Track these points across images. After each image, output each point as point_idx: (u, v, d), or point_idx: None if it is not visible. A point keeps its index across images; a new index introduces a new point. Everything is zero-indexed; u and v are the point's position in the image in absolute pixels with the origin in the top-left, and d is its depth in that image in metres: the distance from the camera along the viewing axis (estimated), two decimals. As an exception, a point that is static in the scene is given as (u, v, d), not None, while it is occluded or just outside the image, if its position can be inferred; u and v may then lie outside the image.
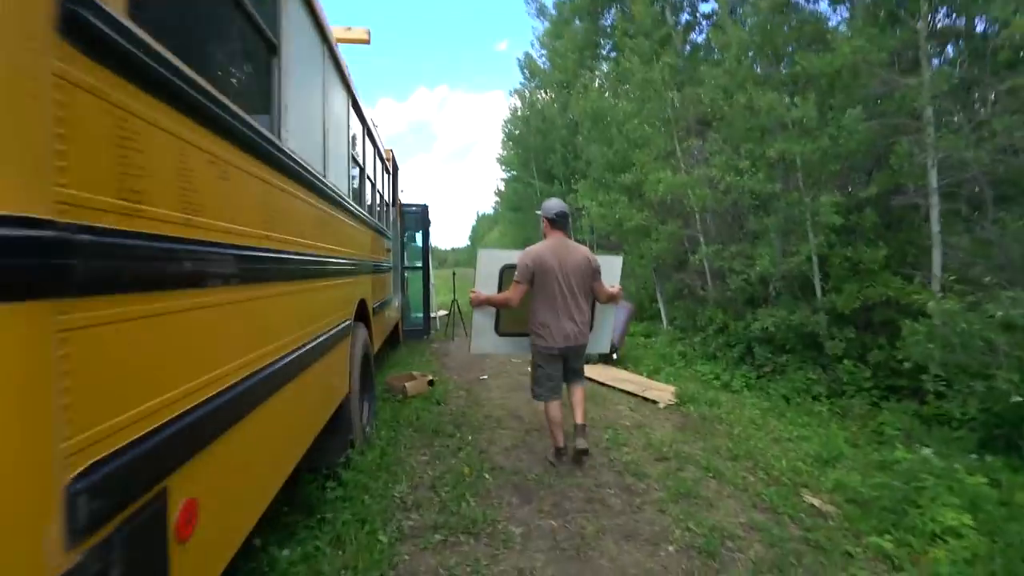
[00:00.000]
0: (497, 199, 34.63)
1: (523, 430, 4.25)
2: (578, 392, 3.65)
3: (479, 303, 3.63)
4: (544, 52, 26.51)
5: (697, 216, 7.98)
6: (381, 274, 5.26)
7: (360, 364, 3.47)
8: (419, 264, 8.89)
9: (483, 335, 3.79)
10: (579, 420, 3.54)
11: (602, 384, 5.93)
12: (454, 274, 11.01)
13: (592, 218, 9.31)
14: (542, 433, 3.94)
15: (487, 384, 5.85)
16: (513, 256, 3.65)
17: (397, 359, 6.89)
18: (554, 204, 3.67)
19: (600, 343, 4.10)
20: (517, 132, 25.64)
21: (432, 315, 10.91)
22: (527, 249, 3.53)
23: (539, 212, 3.76)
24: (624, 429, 4.34)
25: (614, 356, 7.03)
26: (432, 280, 10.94)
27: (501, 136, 27.62)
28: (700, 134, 8.50)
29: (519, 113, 26.05)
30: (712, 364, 7.12)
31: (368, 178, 4.62)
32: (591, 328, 3.72)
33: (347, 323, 3.14)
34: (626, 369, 6.86)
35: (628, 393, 5.61)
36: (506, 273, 3.63)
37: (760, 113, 6.15)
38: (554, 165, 22.39)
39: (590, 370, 5.92)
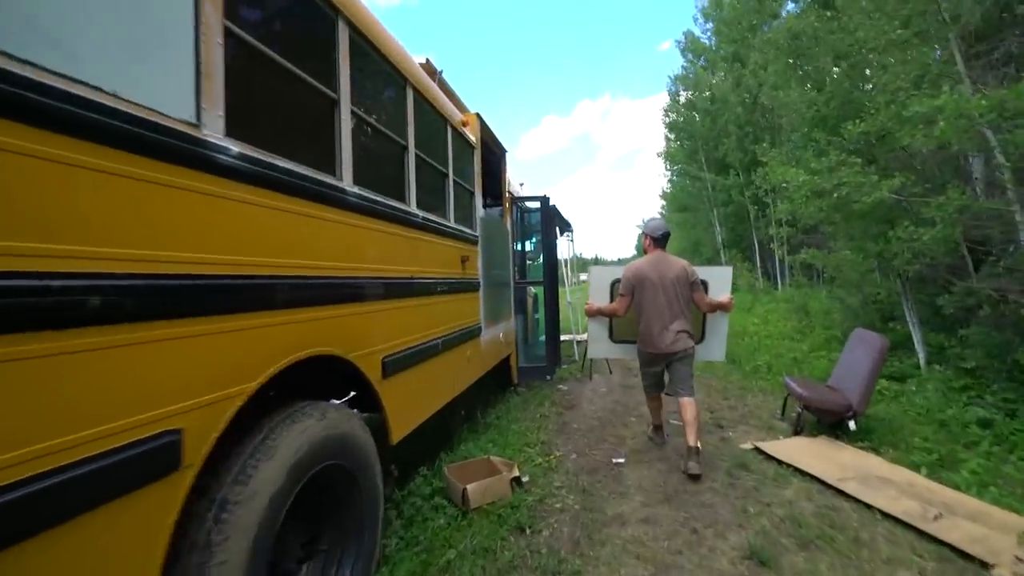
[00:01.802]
0: (662, 203, 31.14)
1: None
2: (689, 409, 3.61)
3: (592, 313, 4.18)
4: (709, 26, 22.94)
5: (1008, 173, 4.45)
6: (447, 295, 3.39)
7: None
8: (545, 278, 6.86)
9: (598, 341, 4.34)
10: (691, 442, 3.50)
11: (835, 489, 3.16)
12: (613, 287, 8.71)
13: (794, 201, 6.21)
14: None
15: (621, 477, 3.50)
16: (619, 272, 4.09)
17: (495, 417, 4.90)
18: (659, 224, 3.95)
19: (712, 351, 4.19)
20: (681, 120, 22.25)
21: (571, 338, 8.82)
22: (630, 264, 3.92)
23: (642, 231, 4.07)
24: None
25: (852, 425, 4.08)
26: (569, 299, 8.86)
27: (663, 130, 24.39)
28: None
29: (682, 99, 22.64)
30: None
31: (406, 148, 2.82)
32: (703, 336, 4.09)
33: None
34: (876, 452, 3.87)
35: (893, 520, 2.79)
36: (615, 286, 4.14)
37: None
38: (727, 151, 18.60)
39: (806, 449, 3.78)
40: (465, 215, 4.11)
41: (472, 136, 4.27)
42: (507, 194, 5.72)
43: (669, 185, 27.41)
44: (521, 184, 7.07)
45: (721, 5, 21.07)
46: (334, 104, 2.12)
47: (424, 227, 2.99)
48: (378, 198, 2.39)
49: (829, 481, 3.27)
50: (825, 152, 5.74)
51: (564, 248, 10.74)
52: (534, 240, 8.09)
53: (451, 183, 3.64)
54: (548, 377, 6.07)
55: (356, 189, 2.19)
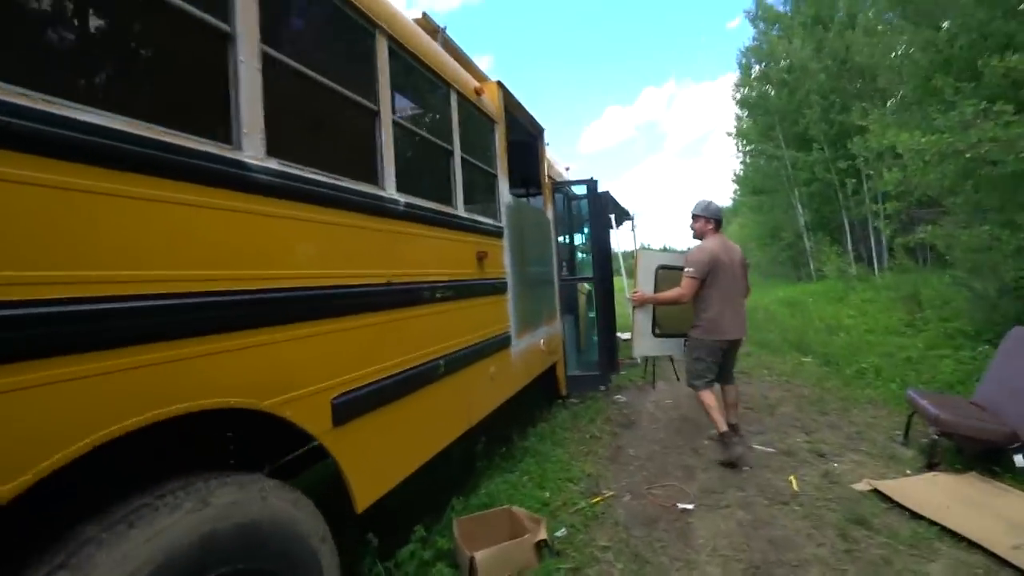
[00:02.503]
0: (735, 187, 28.86)
1: None
2: (732, 392, 3.82)
3: (643, 302, 3.93)
4: (784, -11, 20.71)
5: None
6: (455, 301, 2.72)
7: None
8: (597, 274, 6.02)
9: (645, 337, 4.05)
10: (732, 419, 3.69)
11: (1013, 567, 2.16)
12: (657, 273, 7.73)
13: (908, 169, 4.95)
14: None
15: (689, 533, 2.65)
16: (666, 258, 4.17)
17: (535, 438, 4.16)
18: (715, 206, 3.80)
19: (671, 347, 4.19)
20: (754, 95, 20.22)
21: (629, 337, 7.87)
22: (700, 246, 3.66)
23: (700, 213, 3.77)
24: None
25: (1018, 460, 2.96)
26: (628, 294, 7.91)
27: (734, 107, 22.40)
28: None
29: (754, 73, 20.59)
30: None
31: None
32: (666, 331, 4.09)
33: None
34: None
35: None
36: (660, 273, 3.98)
37: None
38: (809, 124, 16.56)
39: (950, 494, 2.76)
40: (483, 202, 3.42)
41: (492, 108, 3.57)
42: (546, 179, 4.97)
43: (741, 167, 25.21)
44: (567, 168, 6.27)
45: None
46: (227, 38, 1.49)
47: (410, 216, 2.31)
48: (319, 177, 1.73)
49: (1000, 553, 2.27)
50: (956, 104, 4.44)
51: (624, 239, 9.81)
52: (586, 231, 7.26)
53: (457, 163, 2.95)
54: (603, 387, 5.25)
55: (273, 164, 1.55)
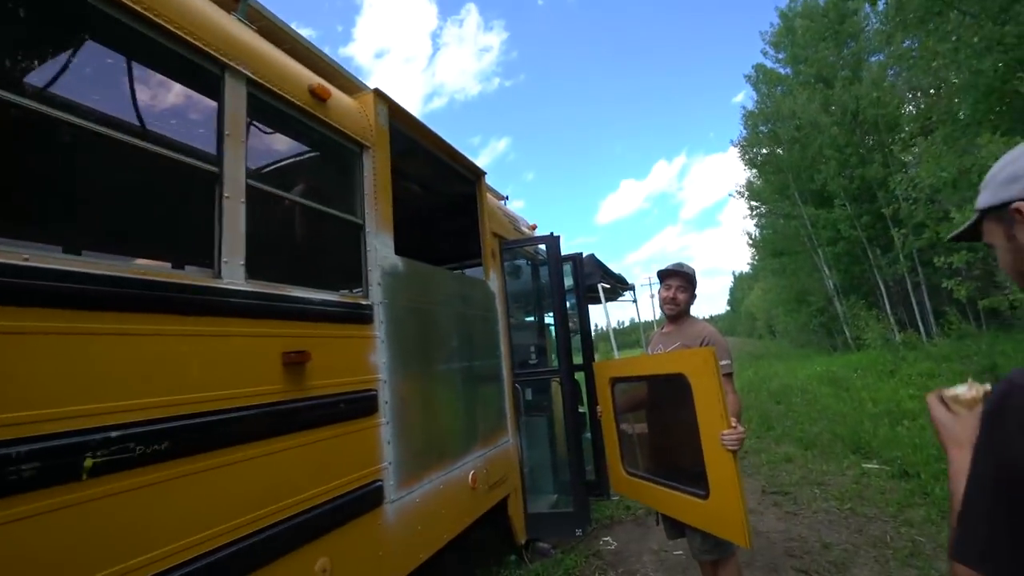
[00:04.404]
0: (752, 251, 27.50)
1: None
2: None
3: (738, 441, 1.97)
4: (781, 55, 20.55)
5: None
6: (240, 445, 1.35)
7: None
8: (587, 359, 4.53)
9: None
10: None
11: None
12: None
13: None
14: None
15: None
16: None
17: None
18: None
19: None
20: (762, 154, 19.36)
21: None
22: (708, 327, 2.43)
23: (691, 275, 2.51)
24: None
25: None
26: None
27: (743, 169, 21.54)
28: None
29: (759, 132, 19.89)
30: None
31: None
32: None
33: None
34: None
35: None
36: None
37: None
38: (827, 179, 15.38)
39: None
40: (329, 266, 2.10)
41: (356, 124, 2.34)
42: (488, 237, 3.68)
43: (757, 229, 23.95)
44: (533, 227, 5.01)
45: (793, 31, 18.94)
46: None
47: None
48: None
49: None
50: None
51: (616, 313, 8.32)
52: (571, 303, 5.80)
53: (236, 196, 1.66)
54: (579, 531, 3.60)
55: None
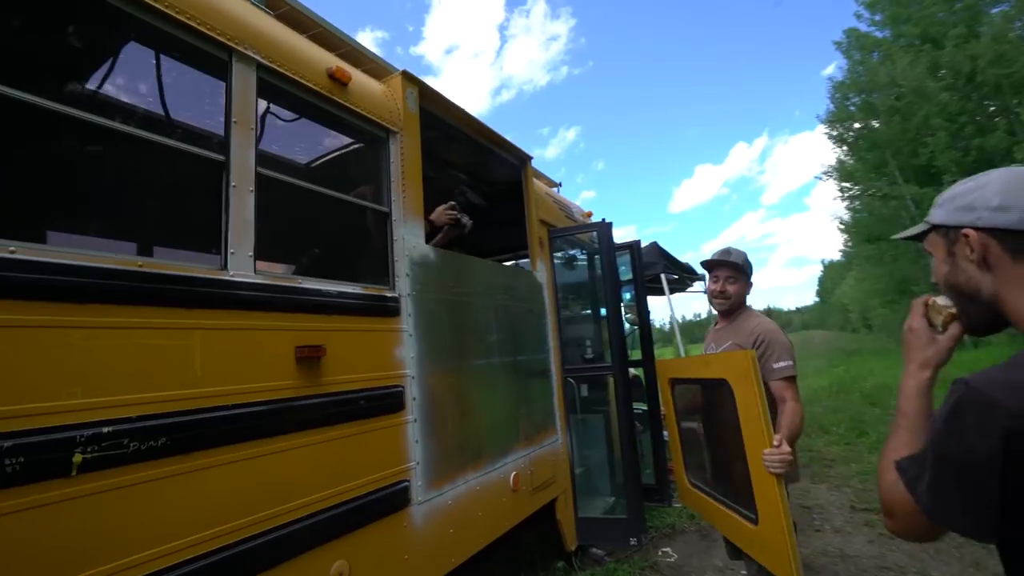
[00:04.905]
0: (844, 236, 25.08)
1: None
2: None
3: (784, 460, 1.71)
4: (878, 17, 18.40)
5: None
6: (251, 442, 1.32)
7: None
8: (637, 357, 4.24)
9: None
10: None
11: None
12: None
13: None
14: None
15: None
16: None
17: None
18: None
19: None
20: (854, 129, 17.50)
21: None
22: (768, 323, 2.09)
23: (742, 265, 2.18)
24: None
25: None
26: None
27: (831, 148, 19.65)
28: None
29: (851, 104, 17.98)
30: None
31: None
32: None
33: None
34: None
35: None
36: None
37: None
38: (935, 153, 13.58)
39: None
40: (350, 256, 2.02)
41: (381, 108, 2.24)
42: (535, 223, 3.49)
43: (849, 213, 21.76)
44: (588, 214, 4.73)
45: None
46: None
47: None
48: None
49: None
50: None
51: (692, 305, 7.79)
52: (629, 295, 5.44)
53: (245, 182, 1.60)
54: (634, 540, 3.34)
55: None
